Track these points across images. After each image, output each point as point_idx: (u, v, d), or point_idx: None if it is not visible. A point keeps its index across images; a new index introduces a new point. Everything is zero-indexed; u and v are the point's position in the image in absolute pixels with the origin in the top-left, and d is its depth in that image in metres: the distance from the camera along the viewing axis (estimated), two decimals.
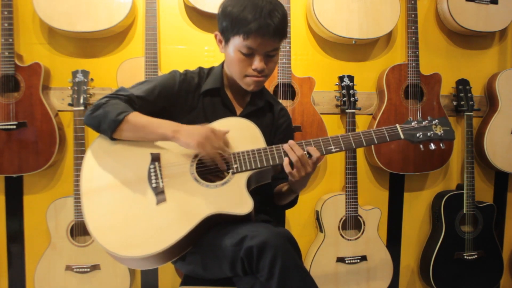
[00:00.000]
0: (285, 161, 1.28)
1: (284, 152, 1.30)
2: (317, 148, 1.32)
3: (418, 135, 1.37)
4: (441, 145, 1.40)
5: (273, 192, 1.52)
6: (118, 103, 1.30)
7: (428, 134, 1.37)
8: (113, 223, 1.22)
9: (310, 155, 1.30)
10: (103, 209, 1.24)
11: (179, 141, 1.25)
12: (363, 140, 1.34)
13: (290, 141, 1.31)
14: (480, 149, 2.46)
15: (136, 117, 1.28)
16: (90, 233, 1.21)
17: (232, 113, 1.46)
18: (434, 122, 1.39)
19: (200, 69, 1.49)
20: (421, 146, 1.40)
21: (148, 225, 1.21)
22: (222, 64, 1.49)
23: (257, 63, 1.32)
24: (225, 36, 1.34)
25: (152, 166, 1.29)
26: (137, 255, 1.17)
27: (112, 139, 1.31)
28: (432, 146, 1.39)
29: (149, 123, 1.28)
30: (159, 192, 1.26)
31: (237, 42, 1.30)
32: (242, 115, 1.46)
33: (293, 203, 1.54)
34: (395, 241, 2.55)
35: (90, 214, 1.24)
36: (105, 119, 1.27)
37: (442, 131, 1.38)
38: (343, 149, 1.34)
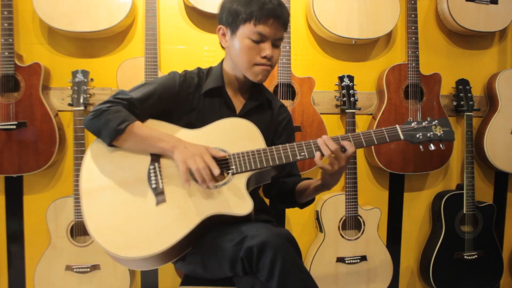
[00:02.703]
0: (317, 155, 1.29)
1: (316, 146, 1.30)
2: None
3: (417, 135, 1.37)
4: (441, 145, 1.40)
5: (296, 189, 1.50)
6: (120, 110, 1.29)
7: (428, 134, 1.37)
8: (113, 223, 1.22)
9: (344, 149, 1.31)
10: (102, 210, 1.24)
11: (174, 157, 1.26)
12: (363, 141, 1.34)
13: (324, 136, 1.30)
14: (480, 149, 2.46)
15: (138, 129, 1.28)
16: (89, 234, 1.21)
17: (232, 111, 1.47)
18: (434, 123, 1.38)
19: (199, 69, 1.50)
20: (421, 146, 1.40)
21: (148, 225, 1.21)
22: (221, 63, 1.50)
23: (268, 49, 1.35)
24: (233, 26, 1.36)
25: (151, 167, 1.29)
26: (137, 256, 1.17)
27: (111, 145, 1.31)
28: (432, 147, 1.39)
29: (150, 136, 1.29)
30: (158, 193, 1.26)
31: (247, 30, 1.33)
32: (242, 112, 1.47)
33: (313, 200, 1.55)
34: (395, 241, 2.55)
35: (89, 214, 1.24)
36: (106, 127, 1.27)
37: (441, 132, 1.38)
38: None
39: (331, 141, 1.29)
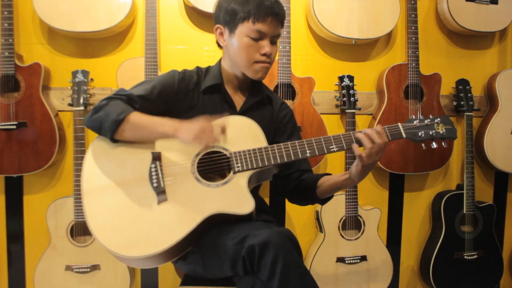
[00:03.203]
0: (355, 146, 1.30)
1: (356, 139, 1.32)
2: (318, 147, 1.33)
3: (420, 134, 1.36)
4: (443, 143, 1.39)
5: (317, 185, 1.49)
6: (118, 104, 1.30)
7: (430, 133, 1.36)
8: (115, 222, 1.22)
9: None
10: (104, 209, 1.24)
11: (180, 138, 1.24)
12: None
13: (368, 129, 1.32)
14: (480, 149, 2.46)
15: (136, 117, 1.28)
16: (91, 233, 1.21)
17: (232, 109, 1.47)
18: (436, 121, 1.38)
19: (198, 68, 1.51)
20: (423, 144, 1.39)
21: (150, 224, 1.21)
22: (219, 62, 1.50)
23: (267, 47, 1.36)
24: (231, 25, 1.36)
25: (153, 166, 1.29)
26: (139, 255, 1.17)
27: (114, 140, 1.31)
28: (434, 145, 1.38)
29: (150, 122, 1.28)
30: (160, 192, 1.26)
31: (245, 28, 1.34)
32: (242, 109, 1.47)
33: (333, 196, 1.55)
34: (395, 241, 2.55)
35: (91, 213, 1.24)
36: (106, 120, 1.27)
37: (444, 130, 1.37)
38: (345, 148, 1.34)
39: (375, 134, 1.30)
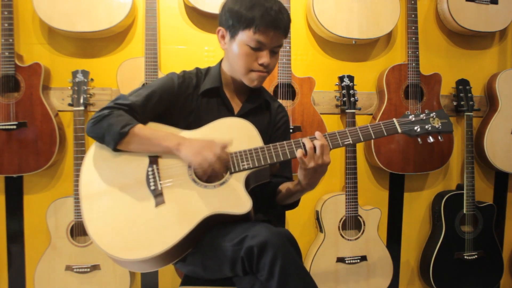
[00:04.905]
0: (299, 152, 1.26)
1: (302, 143, 1.28)
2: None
3: (415, 128, 1.36)
4: (439, 137, 1.39)
5: (277, 190, 1.47)
6: (121, 115, 1.29)
7: (426, 127, 1.36)
8: (113, 226, 1.22)
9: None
10: (102, 213, 1.24)
11: (180, 154, 1.26)
12: (360, 135, 1.34)
13: (317, 132, 1.29)
14: (480, 149, 2.46)
15: (140, 130, 1.28)
16: (90, 237, 1.21)
17: (230, 112, 1.46)
18: (431, 115, 1.37)
19: (198, 69, 1.49)
20: (419, 139, 1.39)
21: (148, 227, 1.21)
22: (220, 64, 1.49)
23: (265, 57, 1.34)
24: (232, 31, 1.35)
25: (150, 169, 1.29)
26: (137, 258, 1.17)
27: (116, 150, 1.30)
28: (431, 139, 1.38)
29: (154, 136, 1.29)
30: (157, 194, 1.26)
31: (245, 36, 1.32)
32: (240, 114, 1.46)
33: (296, 204, 1.51)
34: (395, 241, 2.55)
35: (89, 217, 1.24)
36: (110, 131, 1.26)
37: (440, 124, 1.37)
38: (341, 145, 1.33)
39: (308, 140, 1.27)
